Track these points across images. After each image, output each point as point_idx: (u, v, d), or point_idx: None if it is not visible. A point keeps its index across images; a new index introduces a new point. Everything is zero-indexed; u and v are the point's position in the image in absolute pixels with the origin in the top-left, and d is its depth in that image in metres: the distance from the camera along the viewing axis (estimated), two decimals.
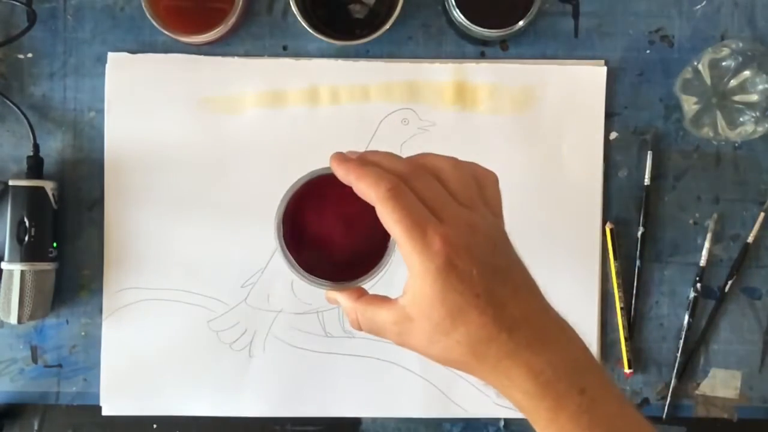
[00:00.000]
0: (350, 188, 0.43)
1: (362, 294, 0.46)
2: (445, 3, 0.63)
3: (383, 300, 0.44)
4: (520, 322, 0.41)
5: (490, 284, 0.41)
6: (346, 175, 0.43)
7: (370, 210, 0.42)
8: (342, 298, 0.46)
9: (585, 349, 0.44)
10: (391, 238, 0.44)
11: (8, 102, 0.64)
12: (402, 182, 0.41)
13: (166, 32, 0.62)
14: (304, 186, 0.45)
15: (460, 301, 0.40)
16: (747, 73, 0.63)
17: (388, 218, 0.41)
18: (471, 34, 0.63)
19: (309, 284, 0.45)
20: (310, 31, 0.61)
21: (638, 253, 0.66)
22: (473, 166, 0.45)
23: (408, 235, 0.40)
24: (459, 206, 0.42)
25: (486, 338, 0.41)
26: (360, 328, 0.46)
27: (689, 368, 0.66)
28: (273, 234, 0.45)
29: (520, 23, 0.61)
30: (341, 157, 0.43)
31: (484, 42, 0.66)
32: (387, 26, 0.61)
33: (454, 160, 0.44)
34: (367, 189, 0.41)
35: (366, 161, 0.43)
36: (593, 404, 0.42)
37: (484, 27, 0.61)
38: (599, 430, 0.42)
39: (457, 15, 0.61)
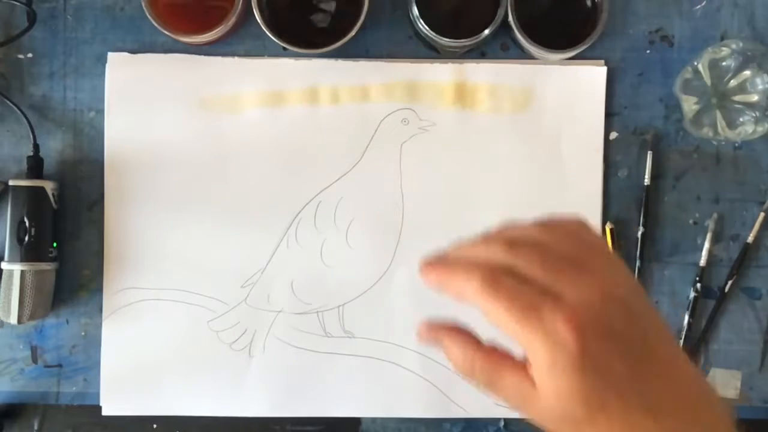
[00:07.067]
0: None
1: (478, 344, 0.39)
2: (410, 14, 0.63)
3: (506, 360, 0.38)
4: (666, 405, 0.36)
5: (634, 369, 0.35)
6: (436, 284, 0.38)
7: None
8: (456, 347, 0.39)
9: (730, 428, 0.38)
10: None
11: (8, 102, 0.64)
12: (497, 267, 0.36)
13: (166, 32, 0.62)
14: None
15: (602, 397, 0.35)
16: (747, 73, 0.63)
17: (494, 311, 0.35)
18: (436, 46, 0.62)
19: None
20: (276, 41, 0.61)
21: (638, 253, 0.66)
22: (558, 219, 0.40)
23: (522, 323, 0.35)
24: (574, 272, 0.36)
25: (630, 426, 0.36)
26: (473, 380, 0.39)
27: None
28: None
29: (486, 32, 0.61)
30: (428, 269, 0.39)
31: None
32: (352, 33, 0.61)
33: (538, 224, 0.39)
34: (461, 288, 0.37)
35: (449, 259, 0.39)
36: None
37: (451, 37, 0.61)
38: None
39: (422, 26, 0.61)
